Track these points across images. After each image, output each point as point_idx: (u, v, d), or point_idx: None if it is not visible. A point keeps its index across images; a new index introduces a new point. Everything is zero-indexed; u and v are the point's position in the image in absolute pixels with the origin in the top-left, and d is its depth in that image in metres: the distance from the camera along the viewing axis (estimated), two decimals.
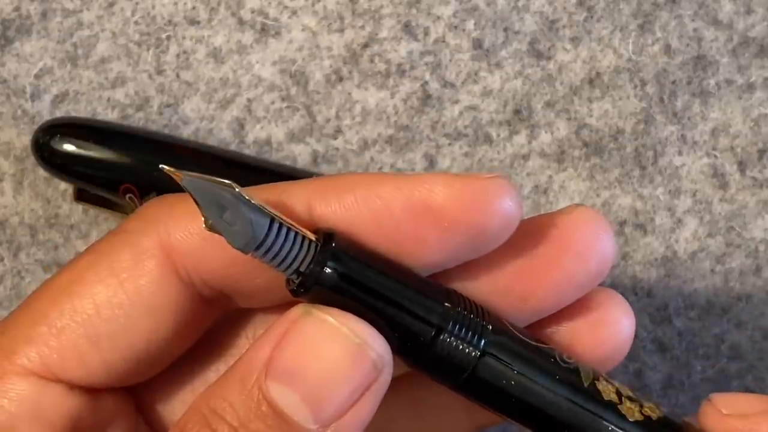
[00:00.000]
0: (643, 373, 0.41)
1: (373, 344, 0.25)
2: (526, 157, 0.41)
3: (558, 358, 0.27)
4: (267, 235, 0.25)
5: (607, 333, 0.29)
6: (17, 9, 0.40)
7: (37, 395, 0.26)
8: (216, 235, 0.25)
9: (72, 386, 0.27)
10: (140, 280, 0.27)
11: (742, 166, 0.41)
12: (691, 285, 0.41)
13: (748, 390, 0.41)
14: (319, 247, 0.25)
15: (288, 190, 0.26)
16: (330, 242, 0.25)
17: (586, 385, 0.27)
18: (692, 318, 0.41)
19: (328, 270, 0.25)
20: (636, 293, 0.41)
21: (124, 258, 0.27)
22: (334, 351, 0.25)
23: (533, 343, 0.27)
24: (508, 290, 0.28)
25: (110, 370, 0.27)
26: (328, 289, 0.25)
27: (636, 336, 0.41)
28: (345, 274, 0.25)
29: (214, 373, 0.30)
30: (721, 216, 0.41)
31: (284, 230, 0.25)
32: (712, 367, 0.42)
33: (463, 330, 0.26)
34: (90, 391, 0.27)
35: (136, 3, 0.40)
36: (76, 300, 0.27)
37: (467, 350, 0.26)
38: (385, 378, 0.25)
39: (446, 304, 0.26)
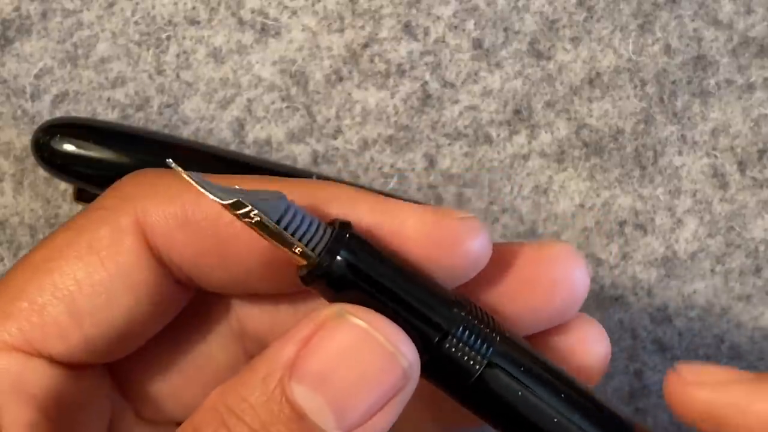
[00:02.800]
0: (643, 374, 0.41)
1: (406, 353, 0.25)
2: (526, 157, 0.41)
3: (567, 375, 0.27)
4: (284, 213, 0.24)
5: (581, 363, 0.29)
6: (17, 9, 0.40)
7: (18, 369, 0.26)
8: (190, 222, 0.26)
9: (53, 361, 0.27)
10: (119, 258, 0.27)
11: (742, 166, 0.41)
12: (691, 285, 0.41)
13: None
14: (332, 237, 0.25)
15: (265, 186, 0.26)
16: (344, 233, 0.25)
17: (595, 406, 0.27)
18: (692, 318, 0.41)
19: (339, 259, 0.25)
20: (636, 293, 0.41)
21: (102, 235, 0.27)
22: (367, 358, 0.24)
23: (542, 358, 0.27)
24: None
25: (91, 346, 0.27)
26: (338, 278, 0.25)
27: (636, 336, 0.41)
28: (356, 266, 0.25)
29: (188, 351, 0.30)
30: (721, 216, 0.41)
31: (300, 215, 0.25)
32: None
33: (471, 337, 0.26)
34: (70, 366, 0.27)
35: (136, 3, 0.40)
36: (56, 276, 0.27)
37: (473, 357, 0.26)
38: (412, 386, 0.25)
39: (455, 309, 0.26)
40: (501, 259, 0.28)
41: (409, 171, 0.41)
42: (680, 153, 0.41)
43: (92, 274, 0.27)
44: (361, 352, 0.24)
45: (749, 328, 0.41)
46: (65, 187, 0.41)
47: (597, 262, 0.41)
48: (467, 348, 0.26)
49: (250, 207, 0.24)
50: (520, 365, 0.26)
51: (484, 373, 0.26)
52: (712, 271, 0.41)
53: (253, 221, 0.24)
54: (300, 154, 0.41)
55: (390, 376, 0.24)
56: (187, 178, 0.24)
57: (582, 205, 0.41)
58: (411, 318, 0.25)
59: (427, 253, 0.26)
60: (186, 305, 0.29)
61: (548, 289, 0.28)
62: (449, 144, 0.41)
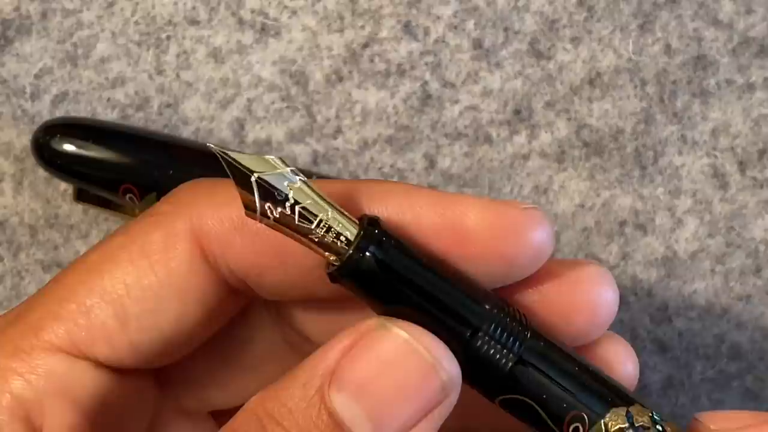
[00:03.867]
0: (643, 374, 0.41)
1: (446, 365, 0.24)
2: (526, 157, 0.41)
3: (598, 373, 0.27)
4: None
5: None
6: (17, 9, 0.40)
7: (64, 371, 0.26)
8: (248, 225, 0.25)
9: (98, 365, 0.27)
10: (171, 263, 0.27)
11: (742, 166, 0.41)
12: (691, 285, 0.41)
13: (748, 391, 0.41)
14: (361, 233, 0.25)
15: (324, 188, 0.26)
16: (373, 229, 0.25)
17: (622, 408, 0.26)
18: (692, 318, 0.41)
19: (368, 255, 0.24)
20: (636, 293, 0.41)
21: (155, 240, 0.27)
22: (406, 368, 0.24)
23: (574, 356, 0.27)
24: None
25: (137, 351, 0.27)
26: (367, 275, 0.25)
27: (636, 336, 0.41)
28: (385, 262, 0.25)
29: (234, 358, 0.30)
30: (721, 216, 0.41)
31: (329, 212, 0.25)
32: (713, 368, 0.42)
33: (502, 334, 0.25)
34: (116, 370, 0.27)
35: (136, 3, 0.40)
36: (106, 279, 0.27)
37: (503, 355, 0.26)
38: (452, 400, 0.25)
39: (487, 306, 0.26)
40: (530, 275, 0.27)
41: (409, 171, 0.41)
42: (680, 153, 0.41)
43: (142, 279, 0.26)
44: (401, 363, 0.24)
45: (749, 328, 0.41)
46: (65, 187, 0.41)
47: (597, 262, 0.41)
48: (498, 344, 0.25)
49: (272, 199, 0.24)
50: (551, 361, 0.26)
51: (515, 369, 0.26)
52: (713, 271, 0.41)
53: (277, 217, 0.24)
54: (300, 154, 0.41)
55: (429, 389, 0.24)
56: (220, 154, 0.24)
57: (582, 205, 0.41)
58: (441, 314, 0.25)
59: (489, 244, 0.26)
60: (237, 313, 0.29)
61: (570, 309, 0.27)
62: (449, 144, 0.41)
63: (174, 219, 0.27)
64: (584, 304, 0.27)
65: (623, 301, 0.41)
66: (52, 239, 0.41)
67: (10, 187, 0.41)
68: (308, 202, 0.24)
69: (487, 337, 0.25)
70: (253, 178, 0.24)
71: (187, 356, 0.29)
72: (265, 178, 0.24)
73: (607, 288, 0.28)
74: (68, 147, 0.38)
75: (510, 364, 0.26)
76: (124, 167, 0.38)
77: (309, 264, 0.26)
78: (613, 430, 0.26)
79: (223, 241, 0.27)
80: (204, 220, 0.27)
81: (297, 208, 0.24)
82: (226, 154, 0.24)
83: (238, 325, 0.30)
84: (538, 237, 0.26)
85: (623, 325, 0.41)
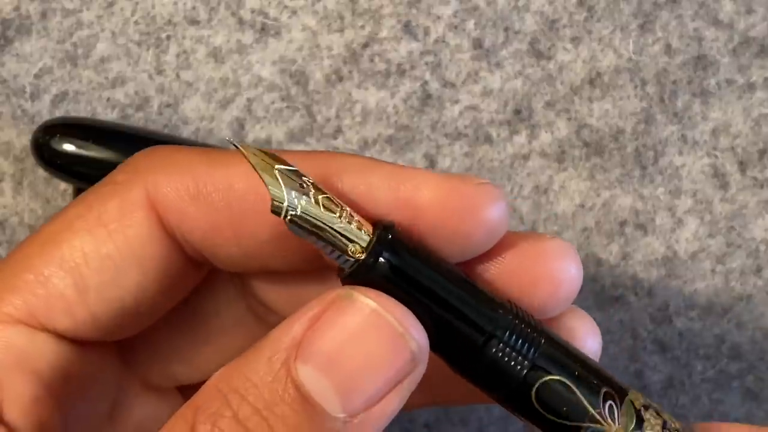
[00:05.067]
0: (643, 374, 0.41)
1: (415, 335, 0.24)
2: (526, 157, 0.41)
3: (611, 379, 0.27)
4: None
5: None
6: (17, 9, 0.40)
7: (22, 343, 0.26)
8: (203, 196, 0.25)
9: (58, 336, 0.26)
10: (128, 231, 0.26)
11: (742, 166, 0.41)
12: (691, 285, 0.41)
13: (748, 391, 0.41)
14: (375, 239, 0.25)
15: (279, 158, 0.26)
16: (387, 234, 0.25)
17: (634, 411, 0.26)
18: (693, 318, 0.41)
19: (382, 260, 0.24)
20: (636, 293, 0.41)
21: (112, 208, 0.26)
22: (374, 338, 0.24)
23: (588, 361, 0.27)
24: None
25: (97, 322, 0.27)
26: (381, 280, 0.24)
27: (636, 336, 0.41)
28: (400, 268, 0.25)
29: (199, 331, 0.29)
30: (721, 216, 0.41)
31: (345, 215, 0.24)
32: (713, 368, 0.41)
33: (517, 340, 0.25)
34: (77, 342, 0.27)
35: (136, 3, 0.40)
36: (64, 248, 0.26)
37: (517, 361, 0.25)
38: (420, 371, 0.24)
39: (501, 312, 0.26)
40: (495, 247, 0.27)
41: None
42: (681, 153, 0.41)
43: (100, 247, 0.26)
44: (369, 333, 0.24)
45: (750, 328, 0.41)
46: (65, 187, 0.41)
47: (597, 262, 0.41)
48: (512, 351, 0.25)
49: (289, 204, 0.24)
50: (565, 366, 0.26)
51: (528, 376, 0.25)
52: (713, 271, 0.41)
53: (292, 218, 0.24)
54: None
55: (399, 359, 0.24)
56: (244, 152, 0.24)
57: (582, 205, 0.41)
58: (456, 321, 0.25)
59: (442, 219, 0.26)
60: (198, 284, 0.29)
61: (532, 282, 0.27)
62: (449, 144, 0.41)
63: (130, 187, 0.27)
64: (545, 277, 0.27)
65: (623, 301, 0.41)
66: None
67: (10, 187, 0.41)
68: (325, 196, 0.24)
69: (502, 344, 0.25)
70: (276, 171, 0.24)
71: (151, 330, 0.29)
72: (287, 169, 0.24)
73: (569, 262, 0.27)
74: (68, 147, 0.38)
75: (525, 369, 0.25)
76: None
77: (263, 237, 0.26)
78: (638, 405, 0.26)
79: (178, 210, 0.26)
80: (159, 188, 0.26)
81: (320, 197, 0.24)
82: (249, 148, 0.24)
83: (203, 297, 0.29)
84: (492, 213, 0.26)
85: (623, 325, 0.41)
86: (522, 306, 0.27)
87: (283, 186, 0.24)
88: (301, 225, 0.24)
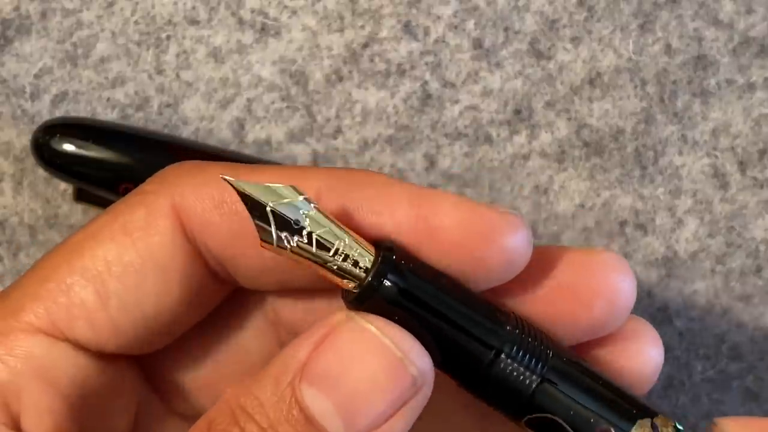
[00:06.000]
0: None
1: (415, 360, 0.24)
2: (526, 157, 0.41)
3: (620, 387, 0.27)
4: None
5: (631, 364, 0.28)
6: (17, 9, 0.40)
7: (43, 353, 0.26)
8: (227, 204, 0.25)
9: (79, 347, 0.26)
10: (151, 239, 0.26)
11: (742, 166, 0.41)
12: (691, 285, 0.41)
13: (748, 391, 0.41)
14: (378, 260, 0.25)
15: (301, 176, 0.26)
16: (391, 255, 0.25)
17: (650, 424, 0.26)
18: (692, 318, 0.41)
19: (387, 283, 0.24)
20: (636, 293, 0.41)
21: (137, 218, 0.27)
22: (374, 362, 0.24)
23: (595, 372, 0.27)
24: (531, 319, 0.27)
25: (118, 332, 0.27)
26: (386, 303, 0.24)
27: None
28: (404, 289, 0.25)
29: (222, 344, 0.29)
30: (721, 216, 0.41)
31: (346, 239, 0.25)
32: (713, 368, 0.41)
33: (524, 355, 0.25)
34: (97, 355, 0.27)
35: (136, 3, 0.40)
36: (87, 258, 0.26)
37: (526, 376, 0.25)
38: (424, 395, 0.24)
39: (507, 327, 0.25)
40: (543, 263, 0.27)
41: (410, 171, 0.41)
42: (681, 153, 0.41)
43: (123, 255, 0.26)
44: (367, 356, 0.24)
45: (750, 328, 0.41)
46: (65, 187, 0.41)
47: None
48: (521, 366, 0.25)
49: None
50: (574, 378, 0.26)
51: (538, 390, 0.25)
52: (713, 271, 0.41)
53: (295, 248, 0.24)
54: (300, 154, 0.41)
55: (398, 383, 0.24)
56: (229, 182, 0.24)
57: (582, 205, 0.41)
58: (463, 339, 0.25)
59: (460, 245, 0.25)
60: (221, 304, 0.29)
61: (589, 297, 0.27)
62: (449, 144, 0.41)
63: (156, 197, 0.27)
64: (603, 291, 0.27)
65: None
66: (52, 239, 0.41)
67: (10, 187, 0.41)
68: (324, 230, 0.25)
69: (509, 359, 0.25)
70: (268, 209, 0.24)
71: (175, 353, 0.29)
72: (280, 208, 0.24)
73: (625, 274, 0.27)
74: (68, 147, 0.38)
75: (534, 384, 0.25)
76: (124, 167, 0.38)
77: None
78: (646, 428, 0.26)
79: (202, 219, 0.26)
80: (185, 198, 0.27)
81: (314, 236, 0.24)
82: (239, 185, 0.24)
83: (231, 329, 0.29)
84: (512, 242, 0.26)
85: None
86: (582, 322, 0.27)
87: (273, 227, 0.24)
88: (299, 254, 0.24)
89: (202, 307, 0.28)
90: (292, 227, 0.24)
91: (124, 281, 0.26)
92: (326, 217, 0.25)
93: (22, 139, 0.40)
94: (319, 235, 0.24)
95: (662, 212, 0.41)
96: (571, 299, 0.27)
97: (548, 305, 0.27)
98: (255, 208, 0.24)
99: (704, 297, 0.41)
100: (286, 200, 0.24)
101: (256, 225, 0.24)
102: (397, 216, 0.26)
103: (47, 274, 0.26)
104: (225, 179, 0.24)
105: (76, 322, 0.26)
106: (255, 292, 0.29)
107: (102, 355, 0.27)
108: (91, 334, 0.26)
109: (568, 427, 0.26)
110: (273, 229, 0.24)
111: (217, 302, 0.29)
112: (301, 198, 0.24)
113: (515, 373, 0.25)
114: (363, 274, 0.25)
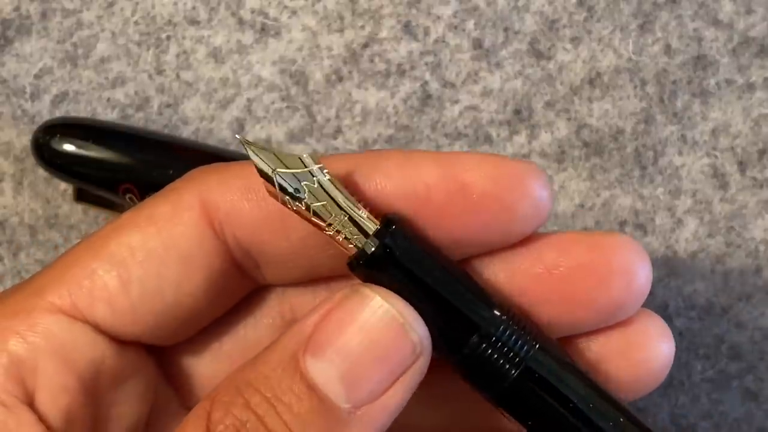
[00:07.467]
0: None
1: (416, 327, 0.25)
2: (526, 157, 0.41)
3: (598, 386, 0.27)
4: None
5: (641, 357, 0.28)
6: (17, 9, 0.40)
7: (62, 333, 0.27)
8: (254, 192, 0.26)
9: (99, 330, 0.27)
10: (176, 229, 0.27)
11: (742, 166, 0.41)
12: (691, 285, 0.41)
13: (748, 391, 0.41)
14: (380, 227, 0.25)
15: (328, 163, 0.26)
16: (390, 224, 0.26)
17: (629, 420, 0.26)
18: (692, 318, 0.41)
19: (380, 246, 0.25)
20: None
21: (164, 210, 0.27)
22: (376, 327, 0.25)
23: (578, 367, 0.27)
24: (550, 302, 0.27)
25: (138, 318, 0.27)
26: (382, 267, 0.25)
27: None
28: (400, 258, 0.25)
29: (239, 341, 0.30)
30: (721, 216, 0.41)
31: (348, 210, 0.25)
32: (713, 368, 0.41)
33: (509, 339, 0.26)
34: (116, 340, 0.27)
35: (136, 3, 0.40)
36: (113, 245, 0.27)
37: (509, 360, 0.26)
38: (423, 364, 0.25)
39: (496, 311, 0.26)
40: (562, 245, 0.28)
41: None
42: (680, 153, 0.41)
43: (147, 242, 0.27)
44: (373, 323, 0.25)
45: (749, 328, 0.41)
46: (65, 187, 0.41)
47: None
48: (505, 350, 0.26)
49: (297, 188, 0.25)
50: (555, 371, 0.26)
51: (520, 376, 0.26)
52: (713, 271, 0.41)
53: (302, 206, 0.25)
54: None
55: (400, 348, 0.25)
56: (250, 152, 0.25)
57: (582, 205, 0.41)
58: (451, 316, 0.26)
59: (490, 195, 0.26)
60: (240, 302, 0.29)
61: (608, 276, 0.27)
62: (449, 144, 0.41)
63: (183, 192, 0.27)
64: (620, 270, 0.27)
65: None
66: (52, 239, 0.41)
67: (10, 187, 0.41)
68: (323, 203, 0.26)
69: (494, 340, 0.26)
70: (274, 175, 0.25)
71: (192, 350, 0.29)
72: (283, 176, 0.25)
73: (641, 256, 0.28)
74: (68, 147, 0.38)
75: (515, 371, 0.26)
76: (123, 167, 0.38)
77: (310, 228, 0.27)
78: None
79: (230, 208, 0.27)
80: (212, 191, 0.27)
81: (312, 207, 0.25)
82: (252, 149, 0.25)
83: (248, 327, 0.30)
84: (539, 187, 0.27)
85: None
86: (600, 302, 0.27)
87: (277, 186, 0.25)
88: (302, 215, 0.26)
89: (222, 303, 0.29)
90: (293, 195, 0.25)
91: (146, 267, 0.27)
92: (334, 187, 0.26)
93: (22, 139, 0.40)
94: (316, 207, 0.25)
95: (662, 212, 0.41)
96: (589, 278, 0.27)
97: (567, 284, 0.27)
98: (263, 170, 0.25)
99: (704, 297, 0.41)
100: (294, 169, 0.25)
101: (264, 183, 0.25)
102: (425, 177, 0.27)
103: (73, 260, 0.27)
104: (240, 139, 0.25)
105: (97, 305, 0.27)
106: (273, 291, 0.30)
107: (121, 342, 0.27)
108: (112, 318, 0.27)
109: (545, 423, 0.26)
110: (278, 190, 0.25)
111: (237, 299, 0.29)
112: (315, 167, 0.26)
113: (499, 356, 0.26)
114: (363, 240, 0.25)
